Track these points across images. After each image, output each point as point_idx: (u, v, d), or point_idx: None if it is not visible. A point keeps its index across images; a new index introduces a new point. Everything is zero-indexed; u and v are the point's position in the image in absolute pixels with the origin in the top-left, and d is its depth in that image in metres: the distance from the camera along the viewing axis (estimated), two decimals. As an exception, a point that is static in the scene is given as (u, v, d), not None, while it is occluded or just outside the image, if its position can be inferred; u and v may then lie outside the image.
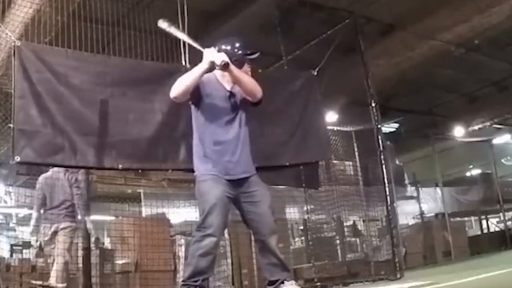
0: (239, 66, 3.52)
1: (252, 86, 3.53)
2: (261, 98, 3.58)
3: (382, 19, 8.90)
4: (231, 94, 3.58)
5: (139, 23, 6.46)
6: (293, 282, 3.46)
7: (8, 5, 5.58)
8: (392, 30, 9.17)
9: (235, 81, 3.51)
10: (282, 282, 3.40)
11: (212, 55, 3.43)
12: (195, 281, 3.22)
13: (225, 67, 3.38)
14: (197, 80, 3.45)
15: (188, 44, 3.74)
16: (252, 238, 7.38)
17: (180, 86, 3.45)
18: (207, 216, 3.27)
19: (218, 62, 3.38)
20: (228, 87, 3.59)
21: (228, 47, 3.54)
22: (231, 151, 3.48)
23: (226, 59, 3.38)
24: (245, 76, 3.52)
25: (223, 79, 3.60)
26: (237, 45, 3.58)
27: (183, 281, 3.29)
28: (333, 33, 7.60)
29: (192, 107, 3.62)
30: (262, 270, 3.56)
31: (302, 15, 8.07)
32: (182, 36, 3.84)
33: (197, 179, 3.52)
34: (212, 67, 3.45)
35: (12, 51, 4.81)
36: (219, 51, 3.51)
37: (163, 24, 3.60)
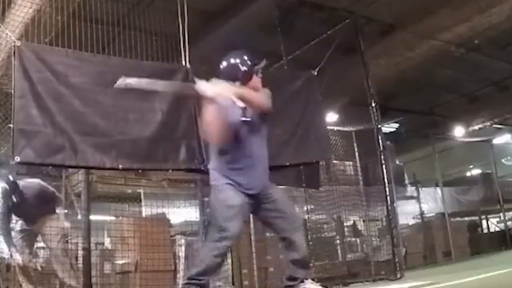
0: (249, 77, 3.50)
1: (260, 101, 3.46)
2: (270, 108, 3.54)
3: (382, 19, 8.90)
4: (245, 110, 3.51)
5: (139, 23, 6.46)
6: (309, 281, 3.51)
7: (8, 5, 5.58)
8: (392, 30, 9.16)
9: (244, 102, 3.43)
10: (302, 281, 3.45)
11: (213, 90, 3.24)
12: (201, 280, 3.24)
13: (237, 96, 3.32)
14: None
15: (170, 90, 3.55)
16: (252, 238, 7.43)
17: (217, 133, 3.39)
18: (228, 221, 3.30)
19: (226, 94, 3.27)
20: (240, 104, 3.51)
21: (237, 61, 3.51)
22: (251, 166, 3.46)
23: (226, 92, 3.27)
24: (248, 94, 3.41)
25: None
26: (246, 58, 3.54)
27: (188, 278, 3.29)
28: (333, 33, 7.60)
29: None
30: (286, 265, 3.58)
31: (302, 15, 8.07)
32: (156, 86, 3.70)
33: (217, 188, 3.45)
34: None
35: (12, 51, 4.82)
36: (228, 66, 3.52)
37: (122, 81, 3.37)
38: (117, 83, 3.32)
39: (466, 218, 15.39)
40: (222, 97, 3.27)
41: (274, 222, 3.52)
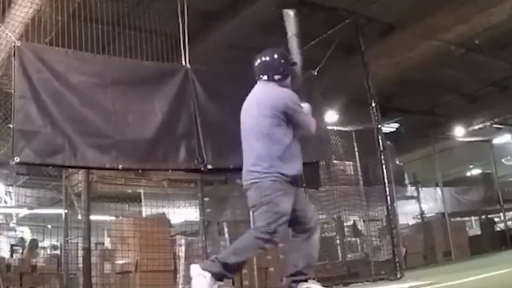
0: (287, 76, 3.69)
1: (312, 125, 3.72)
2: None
3: (382, 19, 8.89)
4: None
5: (139, 23, 6.46)
6: (312, 280, 3.55)
7: (8, 5, 5.58)
8: (392, 30, 9.15)
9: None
10: (306, 280, 3.49)
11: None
12: (232, 270, 3.33)
13: None
14: None
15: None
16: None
17: None
18: (281, 225, 3.37)
19: None
20: None
21: (281, 57, 3.71)
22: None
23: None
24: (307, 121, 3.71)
25: None
26: (287, 55, 3.74)
27: (227, 261, 3.28)
28: (333, 33, 7.60)
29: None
30: (290, 260, 3.63)
31: (302, 15, 8.04)
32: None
33: (275, 184, 3.49)
34: None
35: (12, 51, 4.82)
36: (271, 60, 3.71)
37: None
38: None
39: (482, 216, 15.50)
40: None
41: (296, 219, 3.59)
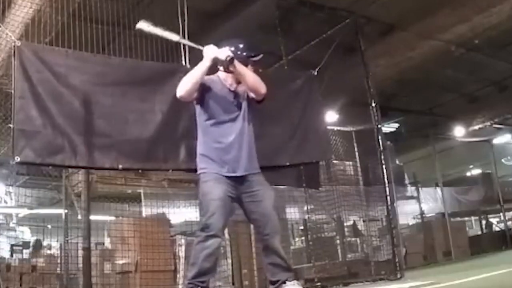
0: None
1: (256, 81, 3.52)
2: (265, 95, 3.56)
3: (382, 19, 8.89)
4: (235, 94, 3.59)
5: (139, 23, 6.44)
6: (295, 282, 3.44)
7: (8, 5, 5.58)
8: (392, 30, 9.16)
9: (239, 76, 3.50)
10: (284, 282, 3.39)
11: (215, 51, 3.43)
12: (202, 282, 3.26)
13: (230, 62, 3.39)
14: (201, 78, 3.46)
15: (185, 43, 3.74)
16: (252, 238, 7.44)
17: (185, 85, 3.46)
18: (211, 216, 3.28)
19: (223, 57, 3.38)
20: (231, 87, 3.60)
21: (232, 49, 3.54)
22: (233, 149, 3.47)
23: (231, 54, 3.40)
24: (248, 71, 3.52)
25: (227, 79, 3.61)
26: (241, 46, 3.59)
27: (189, 280, 3.31)
28: (333, 33, 7.60)
29: (197, 107, 3.65)
30: (264, 269, 3.54)
31: (302, 15, 8.07)
32: (171, 36, 3.75)
33: (200, 179, 3.51)
34: (215, 63, 3.45)
35: (12, 51, 4.82)
36: None
37: (142, 25, 3.59)
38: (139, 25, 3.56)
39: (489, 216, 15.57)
40: (224, 60, 3.38)
41: (254, 224, 3.51)
